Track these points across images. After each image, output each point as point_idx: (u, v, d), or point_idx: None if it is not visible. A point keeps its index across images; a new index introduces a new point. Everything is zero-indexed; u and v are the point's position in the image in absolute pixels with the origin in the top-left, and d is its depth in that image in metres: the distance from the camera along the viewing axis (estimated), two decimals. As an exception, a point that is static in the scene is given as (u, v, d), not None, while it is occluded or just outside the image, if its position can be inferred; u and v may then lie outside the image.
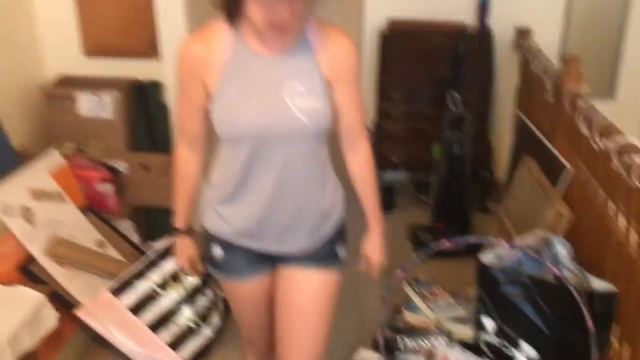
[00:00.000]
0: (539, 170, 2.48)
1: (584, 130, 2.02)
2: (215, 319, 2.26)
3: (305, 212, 1.40)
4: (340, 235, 1.50)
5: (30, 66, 2.78)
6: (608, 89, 3.35)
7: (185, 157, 1.46)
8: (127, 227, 2.59)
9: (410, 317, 2.04)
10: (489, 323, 1.90)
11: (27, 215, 2.07)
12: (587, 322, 1.66)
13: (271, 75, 1.30)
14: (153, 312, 2.12)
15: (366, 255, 1.57)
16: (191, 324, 2.17)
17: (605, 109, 2.02)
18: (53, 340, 1.87)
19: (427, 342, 1.91)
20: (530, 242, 1.98)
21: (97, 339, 2.08)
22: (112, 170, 2.63)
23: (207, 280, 2.24)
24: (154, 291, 2.15)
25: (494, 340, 1.87)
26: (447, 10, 3.24)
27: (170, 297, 2.17)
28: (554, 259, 1.91)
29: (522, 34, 3.19)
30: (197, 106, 1.35)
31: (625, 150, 1.66)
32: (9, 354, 1.55)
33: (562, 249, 1.93)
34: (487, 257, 1.96)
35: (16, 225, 2.00)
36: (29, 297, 1.76)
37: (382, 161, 3.27)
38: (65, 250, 2.11)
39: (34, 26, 2.79)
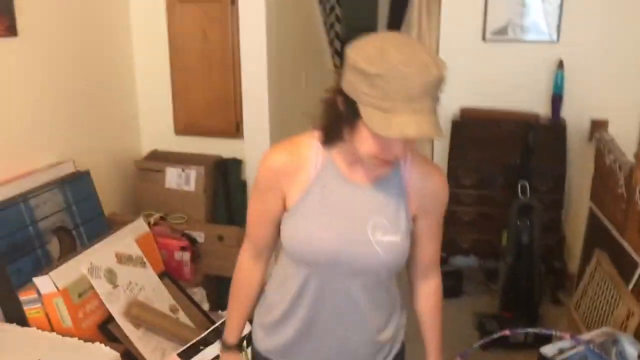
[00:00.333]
0: (610, 264, 2.42)
1: (654, 226, 1.99)
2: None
3: (358, 347, 1.32)
4: None
5: (128, 141, 3.08)
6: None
7: (249, 266, 1.37)
8: (199, 294, 2.72)
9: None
10: (548, 419, 1.84)
11: (111, 277, 2.24)
12: None
13: (357, 205, 1.23)
14: (216, 379, 2.20)
15: None
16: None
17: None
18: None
19: None
20: (597, 338, 1.93)
21: (162, 401, 2.17)
22: (191, 239, 2.80)
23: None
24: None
25: None
26: (521, 100, 3.31)
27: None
28: (621, 358, 1.85)
29: (597, 126, 3.19)
30: (271, 215, 1.28)
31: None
32: (82, 406, 1.67)
33: (630, 348, 1.87)
34: (549, 350, 1.92)
35: (100, 286, 2.18)
36: (106, 354, 1.89)
37: (451, 246, 3.28)
38: (141, 313, 2.25)
39: (134, 107, 3.11)
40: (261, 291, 1.42)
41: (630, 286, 2.19)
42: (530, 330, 1.95)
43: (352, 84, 1.08)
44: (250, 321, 1.46)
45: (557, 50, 3.22)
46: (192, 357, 2.20)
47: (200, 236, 2.84)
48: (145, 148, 3.15)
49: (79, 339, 1.95)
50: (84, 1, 2.69)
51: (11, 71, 2.31)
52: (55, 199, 2.34)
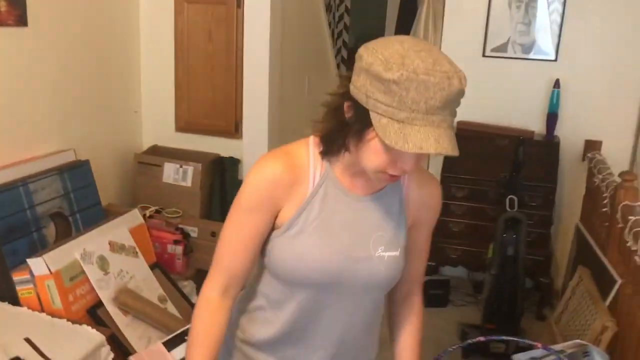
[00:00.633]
0: (590, 281, 2.47)
1: (631, 243, 2.04)
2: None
3: None
4: None
5: (129, 135, 3.16)
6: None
7: (215, 303, 1.14)
8: (189, 287, 2.79)
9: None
10: None
11: (103, 264, 2.31)
12: None
13: (359, 220, 1.13)
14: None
15: None
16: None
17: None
18: (105, 380, 2.04)
19: None
20: (568, 349, 1.98)
21: (144, 387, 2.23)
22: (184, 234, 2.87)
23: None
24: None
25: None
26: (518, 117, 3.37)
27: (216, 358, 2.30)
28: (591, 369, 1.90)
29: (591, 146, 3.24)
30: (256, 239, 1.12)
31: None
32: (65, 384, 1.74)
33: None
34: (521, 357, 1.97)
35: (91, 272, 2.25)
36: (92, 336, 1.95)
37: (440, 256, 3.34)
38: (130, 300, 2.32)
39: (138, 102, 3.19)
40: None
41: (607, 302, 2.24)
42: (504, 338, 2.00)
43: (364, 89, 0.97)
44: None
45: (555, 69, 3.28)
46: (176, 346, 2.26)
47: (193, 231, 2.91)
48: (146, 143, 3.23)
49: (68, 320, 2.02)
50: (94, -3, 2.78)
51: (20, 61, 2.40)
52: (54, 185, 2.42)
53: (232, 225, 1.13)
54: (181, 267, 2.82)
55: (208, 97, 3.07)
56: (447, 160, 3.34)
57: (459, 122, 3.42)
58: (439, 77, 0.93)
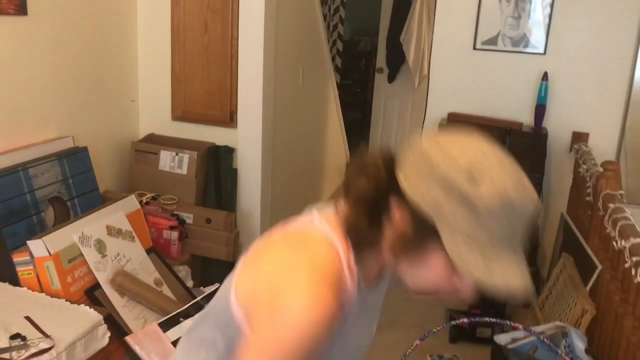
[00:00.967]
0: (573, 267, 2.56)
1: (610, 230, 2.12)
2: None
3: None
4: None
5: (126, 123, 3.22)
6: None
7: None
8: (184, 272, 2.86)
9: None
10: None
11: (100, 247, 2.38)
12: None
13: (370, 308, 1.04)
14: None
15: None
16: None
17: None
18: (101, 358, 2.11)
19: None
20: (548, 330, 2.06)
21: (140, 367, 2.30)
22: (180, 220, 2.94)
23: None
24: (197, 331, 2.37)
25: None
26: (507, 109, 3.45)
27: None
28: (569, 350, 1.98)
29: (577, 137, 3.32)
30: None
31: (636, 247, 1.76)
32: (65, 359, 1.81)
33: (579, 342, 2.00)
34: (503, 338, 2.06)
35: (89, 254, 2.31)
36: (90, 315, 2.02)
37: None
38: (127, 283, 2.39)
39: (135, 91, 3.25)
40: None
41: (588, 287, 2.32)
42: (488, 319, 2.08)
43: (434, 200, 0.81)
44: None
45: (544, 62, 3.36)
46: (171, 327, 2.34)
47: (189, 217, 2.98)
48: (143, 131, 3.30)
49: (66, 300, 2.09)
50: (93, -13, 2.84)
51: (20, 49, 2.45)
52: (53, 171, 2.48)
53: None
54: (176, 252, 2.89)
55: (204, 87, 3.13)
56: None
57: (449, 114, 3.50)
58: (526, 199, 0.80)
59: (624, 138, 3.33)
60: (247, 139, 3.15)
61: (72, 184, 2.57)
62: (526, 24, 3.36)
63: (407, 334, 2.78)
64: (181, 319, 2.38)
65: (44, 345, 1.79)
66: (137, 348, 2.22)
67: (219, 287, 1.06)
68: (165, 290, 2.59)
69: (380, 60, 4.97)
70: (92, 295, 2.28)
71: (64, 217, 2.49)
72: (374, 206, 0.88)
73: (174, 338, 2.32)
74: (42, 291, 2.16)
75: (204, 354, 1.01)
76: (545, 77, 3.29)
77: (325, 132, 4.61)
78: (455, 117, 3.43)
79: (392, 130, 5.15)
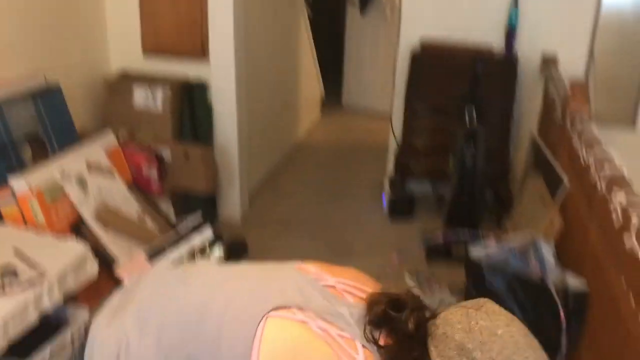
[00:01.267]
0: (543, 185, 2.66)
1: (577, 145, 2.21)
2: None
3: None
4: None
5: (97, 59, 3.17)
6: (631, 118, 3.48)
7: None
8: (165, 206, 2.90)
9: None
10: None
11: (82, 183, 2.40)
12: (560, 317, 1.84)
13: None
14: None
15: None
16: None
17: (626, 137, 2.17)
18: (91, 291, 2.17)
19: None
20: (519, 243, 2.17)
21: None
22: (158, 156, 2.96)
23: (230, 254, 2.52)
24: (182, 260, 2.44)
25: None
26: (479, 32, 3.46)
27: (195, 267, 2.45)
28: (538, 259, 2.10)
29: (547, 61, 3.38)
30: None
31: (601, 161, 1.85)
32: (57, 289, 1.86)
33: (546, 251, 2.12)
34: (477, 252, 2.16)
35: (72, 191, 2.34)
36: (76, 247, 2.07)
37: (406, 171, 3.50)
38: (110, 217, 2.43)
39: (103, 25, 3.19)
40: None
41: (557, 203, 2.43)
42: (463, 236, 2.18)
43: None
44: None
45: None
46: (157, 256, 2.40)
47: (166, 153, 2.99)
48: (114, 67, 3.25)
49: (52, 235, 2.13)
50: None
51: (-19, -17, 2.38)
52: (28, 110, 2.46)
53: None
54: (157, 188, 2.92)
55: (173, 19, 3.08)
56: (411, 80, 3.45)
57: (422, 42, 3.51)
58: None
59: (593, 62, 3.40)
60: (220, 73, 3.13)
61: (48, 123, 2.56)
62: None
63: (385, 257, 2.90)
64: (166, 248, 2.45)
65: (35, 276, 1.84)
66: (125, 278, 2.29)
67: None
68: (148, 222, 2.64)
69: (352, -10, 4.91)
70: (78, 231, 2.32)
71: (42, 156, 2.49)
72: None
73: (160, 268, 2.38)
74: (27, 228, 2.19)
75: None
76: (515, 3, 3.30)
77: (299, 66, 4.59)
78: (428, 45, 3.44)
79: (366, 62, 5.15)
